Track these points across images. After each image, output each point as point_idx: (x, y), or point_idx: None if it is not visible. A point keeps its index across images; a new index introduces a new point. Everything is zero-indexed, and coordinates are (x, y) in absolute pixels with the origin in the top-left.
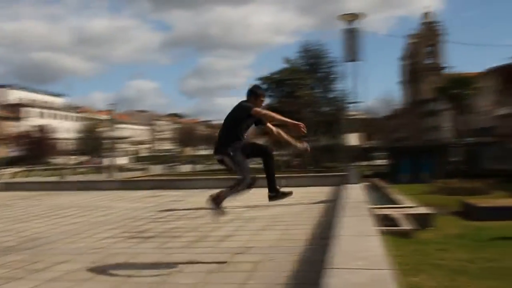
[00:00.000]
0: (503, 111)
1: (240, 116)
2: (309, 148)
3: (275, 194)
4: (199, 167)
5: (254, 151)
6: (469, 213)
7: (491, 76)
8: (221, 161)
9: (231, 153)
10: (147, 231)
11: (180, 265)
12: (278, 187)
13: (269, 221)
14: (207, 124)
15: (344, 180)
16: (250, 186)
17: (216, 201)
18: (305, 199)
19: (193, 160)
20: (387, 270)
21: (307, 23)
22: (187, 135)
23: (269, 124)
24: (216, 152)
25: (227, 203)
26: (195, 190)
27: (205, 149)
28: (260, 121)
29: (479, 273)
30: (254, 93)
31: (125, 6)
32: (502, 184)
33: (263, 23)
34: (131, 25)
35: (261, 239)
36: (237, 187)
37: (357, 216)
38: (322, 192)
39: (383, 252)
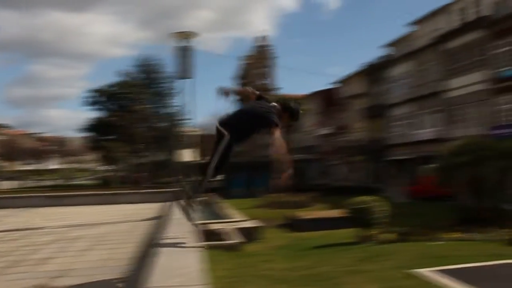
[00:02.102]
0: (324, 131)
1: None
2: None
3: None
4: (29, 183)
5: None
6: (293, 225)
7: (315, 99)
8: (220, 135)
9: (232, 141)
10: None
11: None
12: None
13: (96, 241)
14: (36, 136)
15: (175, 196)
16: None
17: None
18: (135, 216)
19: (18, 175)
20: (203, 286)
21: (146, 37)
22: (11, 148)
23: None
24: (226, 127)
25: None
26: (16, 209)
27: (34, 163)
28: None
29: (298, 280)
30: (290, 111)
31: None
32: (323, 197)
33: (100, 33)
34: None
35: (85, 260)
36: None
37: (180, 232)
38: (153, 208)
39: (201, 268)
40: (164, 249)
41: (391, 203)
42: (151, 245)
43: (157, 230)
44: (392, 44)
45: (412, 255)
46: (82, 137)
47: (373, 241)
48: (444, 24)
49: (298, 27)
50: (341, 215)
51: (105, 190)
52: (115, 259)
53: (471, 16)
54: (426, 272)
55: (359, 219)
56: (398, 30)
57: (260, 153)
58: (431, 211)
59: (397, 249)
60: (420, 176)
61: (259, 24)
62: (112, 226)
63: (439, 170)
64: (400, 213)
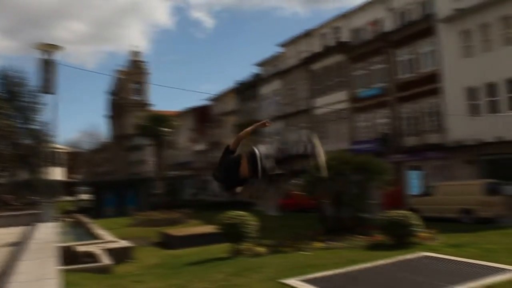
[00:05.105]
0: (198, 147)
1: None
2: None
3: None
4: None
5: None
6: (167, 243)
7: (188, 115)
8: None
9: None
10: None
11: None
12: None
13: None
14: None
15: (38, 219)
16: None
17: None
18: None
19: None
20: None
21: (9, 46)
22: None
23: None
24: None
25: None
26: None
27: None
28: None
29: None
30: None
31: None
32: (198, 213)
33: None
34: None
35: None
36: None
37: (39, 258)
38: (12, 233)
39: None
40: (18, 278)
41: (263, 216)
42: (4, 275)
43: (14, 257)
44: (262, 63)
45: (281, 266)
46: None
47: (245, 254)
48: (307, 47)
49: (173, 44)
50: (214, 231)
51: None
52: None
53: (331, 41)
54: (295, 282)
55: (230, 234)
56: (269, 50)
57: (130, 171)
58: (300, 223)
59: (267, 261)
60: (290, 190)
61: (134, 39)
62: None
63: (305, 184)
64: (271, 226)
